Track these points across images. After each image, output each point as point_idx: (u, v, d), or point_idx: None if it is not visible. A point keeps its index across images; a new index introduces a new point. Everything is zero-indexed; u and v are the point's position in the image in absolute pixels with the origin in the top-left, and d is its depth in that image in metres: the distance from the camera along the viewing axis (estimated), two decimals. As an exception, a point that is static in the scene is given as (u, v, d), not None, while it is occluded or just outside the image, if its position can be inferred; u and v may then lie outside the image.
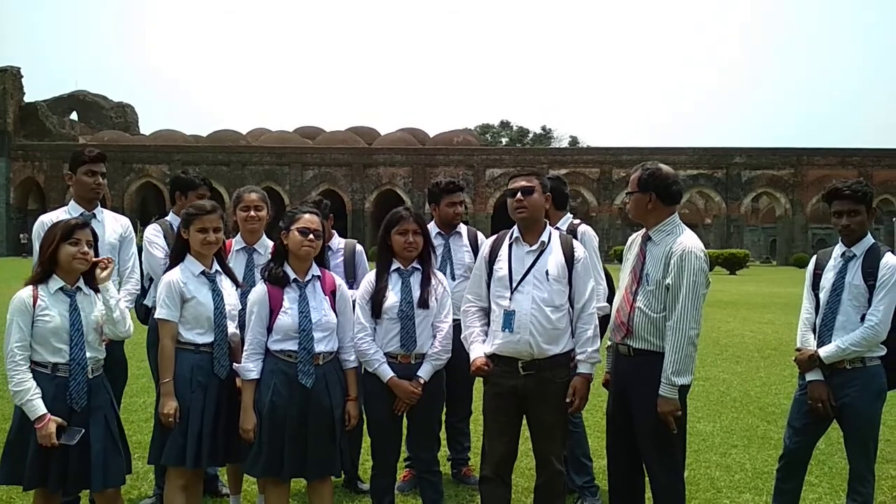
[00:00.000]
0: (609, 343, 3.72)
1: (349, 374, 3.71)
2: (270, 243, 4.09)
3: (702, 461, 5.41)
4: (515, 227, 3.69)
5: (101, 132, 59.16)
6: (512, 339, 3.49)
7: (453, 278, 4.70)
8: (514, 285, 3.54)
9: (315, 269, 3.68)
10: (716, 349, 10.99)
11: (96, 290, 3.48)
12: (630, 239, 3.76)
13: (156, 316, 3.69)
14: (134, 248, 4.40)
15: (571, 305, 3.57)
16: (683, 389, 3.40)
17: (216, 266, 3.80)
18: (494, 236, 3.78)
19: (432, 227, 4.71)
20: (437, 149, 55.27)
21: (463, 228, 4.99)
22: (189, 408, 3.57)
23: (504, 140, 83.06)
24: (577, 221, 4.61)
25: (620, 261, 3.85)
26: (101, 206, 4.36)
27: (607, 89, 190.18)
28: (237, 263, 4.19)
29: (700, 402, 7.27)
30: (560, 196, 4.54)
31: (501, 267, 3.61)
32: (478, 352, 3.61)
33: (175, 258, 3.79)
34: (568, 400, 3.50)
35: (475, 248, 4.83)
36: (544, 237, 3.61)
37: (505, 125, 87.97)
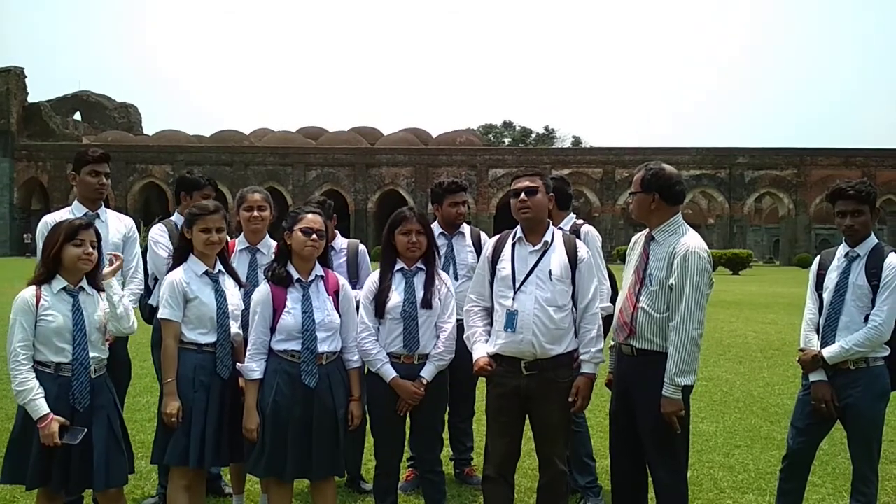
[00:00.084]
0: (612, 343, 3.71)
1: (352, 374, 3.71)
2: (274, 243, 4.09)
3: (705, 461, 5.41)
4: (518, 226, 3.68)
5: (105, 132, 59.18)
6: (515, 338, 3.48)
7: (456, 278, 4.70)
8: (517, 285, 3.54)
9: (318, 269, 3.68)
10: (719, 349, 10.96)
11: (99, 290, 3.49)
12: (633, 239, 3.75)
13: (159, 316, 3.69)
14: (137, 249, 4.42)
15: (575, 305, 3.57)
16: (687, 390, 3.39)
17: (219, 266, 3.80)
18: (497, 236, 3.77)
19: (435, 227, 4.71)
20: (440, 149, 55.16)
21: (466, 228, 4.99)
22: (192, 408, 3.57)
23: (507, 140, 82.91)
24: (580, 221, 4.61)
25: (623, 261, 3.84)
26: (105, 207, 4.37)
27: (611, 89, 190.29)
28: (240, 263, 4.19)
29: (703, 403, 7.26)
30: (563, 196, 4.54)
31: (504, 267, 3.61)
32: (481, 352, 3.61)
33: (178, 258, 3.79)
34: (571, 400, 3.50)
35: (478, 248, 4.83)
36: (547, 237, 3.61)
37: (508, 125, 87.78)
